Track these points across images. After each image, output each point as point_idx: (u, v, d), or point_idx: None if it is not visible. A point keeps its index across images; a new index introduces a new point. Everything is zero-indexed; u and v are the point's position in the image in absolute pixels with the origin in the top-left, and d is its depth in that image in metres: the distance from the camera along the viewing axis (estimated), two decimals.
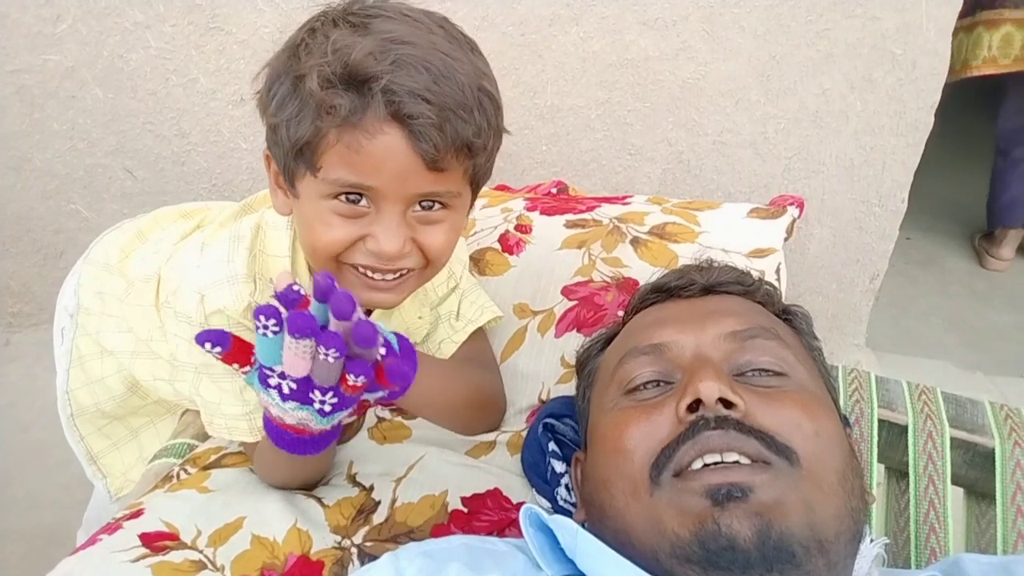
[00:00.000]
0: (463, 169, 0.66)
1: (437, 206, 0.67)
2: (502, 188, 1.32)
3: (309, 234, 0.67)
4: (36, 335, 1.81)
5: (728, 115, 1.59)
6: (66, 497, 1.40)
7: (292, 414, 0.59)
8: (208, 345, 0.54)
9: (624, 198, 1.12)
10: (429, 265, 0.70)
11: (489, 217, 1.07)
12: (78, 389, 0.97)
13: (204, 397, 0.74)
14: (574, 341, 0.85)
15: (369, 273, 0.67)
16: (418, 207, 0.66)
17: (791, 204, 1.09)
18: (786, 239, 1.02)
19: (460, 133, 0.62)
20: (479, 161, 0.67)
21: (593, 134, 1.63)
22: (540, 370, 0.87)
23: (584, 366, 0.72)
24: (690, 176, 1.67)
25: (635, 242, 0.99)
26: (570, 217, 1.05)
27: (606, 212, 1.06)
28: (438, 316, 0.88)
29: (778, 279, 0.95)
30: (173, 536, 0.69)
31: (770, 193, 1.66)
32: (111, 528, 0.70)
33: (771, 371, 0.60)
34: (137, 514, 0.72)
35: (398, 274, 0.68)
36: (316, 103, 0.60)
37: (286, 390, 0.57)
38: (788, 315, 0.72)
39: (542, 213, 1.07)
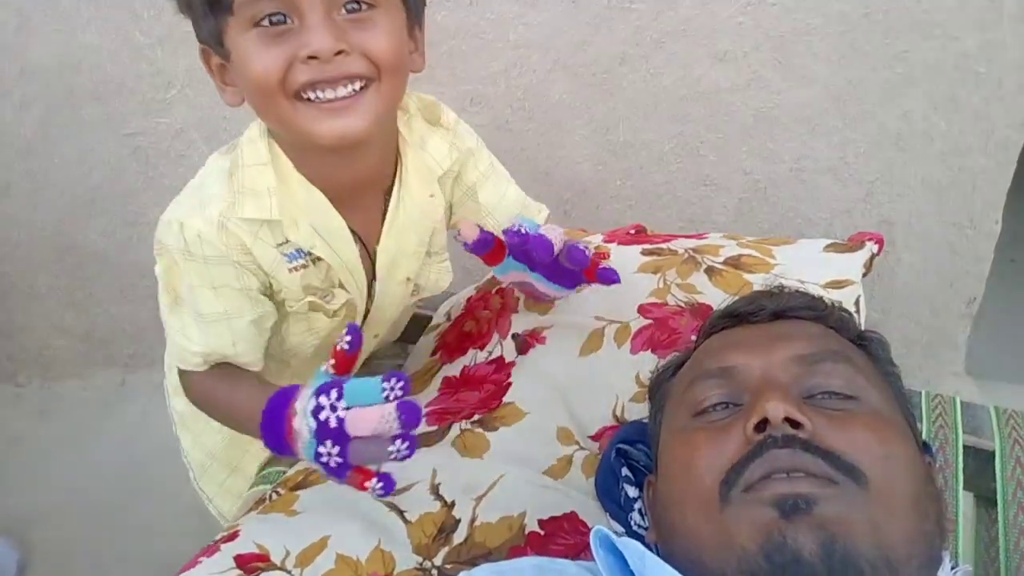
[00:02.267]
0: None
1: (364, 6, 0.65)
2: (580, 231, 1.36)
3: (247, 77, 0.65)
4: (150, 375, 1.95)
5: (804, 142, 1.58)
6: (177, 527, 1.49)
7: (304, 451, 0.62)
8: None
9: (700, 235, 1.14)
10: (381, 73, 0.67)
11: None
12: (191, 450, 1.02)
13: (173, 326, 0.78)
14: (648, 361, 0.86)
15: (320, 94, 0.64)
16: (343, 11, 0.64)
17: (870, 240, 1.07)
18: (865, 274, 1.01)
19: None
20: None
21: (667, 167, 1.65)
22: (615, 383, 0.88)
23: (656, 389, 0.74)
24: (767, 204, 1.66)
25: (709, 271, 1.00)
26: (646, 247, 1.07)
27: (681, 244, 1.08)
28: (462, 192, 0.88)
29: (857, 311, 0.93)
30: (264, 557, 0.74)
31: (852, 219, 1.62)
32: (210, 550, 0.76)
33: (841, 394, 0.59)
34: (233, 536, 0.77)
35: (350, 87, 0.65)
36: None
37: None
38: (863, 341, 0.71)
39: (619, 244, 1.10)
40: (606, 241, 1.11)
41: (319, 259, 0.77)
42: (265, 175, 0.71)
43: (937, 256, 1.65)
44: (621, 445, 0.76)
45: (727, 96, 1.55)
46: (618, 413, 0.87)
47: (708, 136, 1.60)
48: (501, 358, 0.97)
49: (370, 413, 0.54)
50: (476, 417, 0.89)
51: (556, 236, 0.71)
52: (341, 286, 0.81)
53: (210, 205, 0.72)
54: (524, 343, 0.96)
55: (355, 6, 0.65)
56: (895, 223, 1.62)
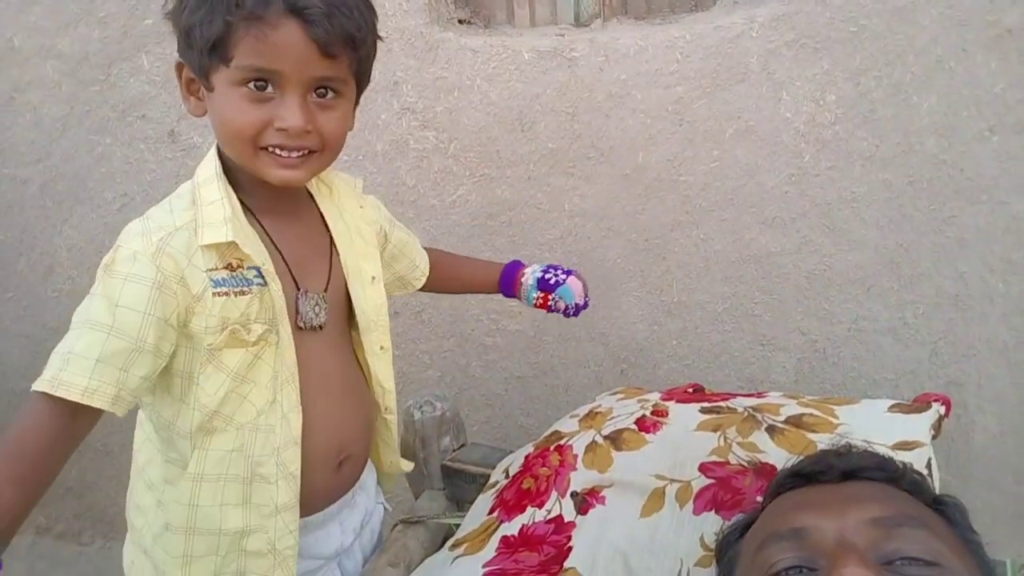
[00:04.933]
0: (349, 60, 0.81)
1: (331, 93, 0.82)
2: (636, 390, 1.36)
3: (226, 123, 0.80)
4: None
5: (860, 303, 1.58)
6: None
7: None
8: None
9: (760, 394, 1.13)
10: (326, 148, 0.84)
11: (625, 406, 1.11)
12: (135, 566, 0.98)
13: (71, 341, 0.75)
14: (712, 523, 0.83)
15: (279, 152, 0.80)
16: (314, 95, 0.80)
17: (936, 401, 1.05)
18: (934, 437, 0.98)
19: (345, 26, 0.77)
20: (362, 55, 0.82)
21: (722, 326, 1.67)
22: (679, 546, 0.85)
23: (724, 552, 0.71)
24: (828, 365, 1.64)
25: (771, 430, 0.98)
26: (705, 405, 1.07)
27: (740, 402, 1.07)
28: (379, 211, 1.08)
29: (929, 474, 0.90)
30: None
31: (918, 379, 1.59)
32: None
33: (922, 560, 0.57)
34: None
35: (301, 153, 0.82)
36: (224, 3, 0.74)
37: None
38: (940, 505, 0.68)
39: (677, 402, 1.10)
40: (664, 399, 1.11)
41: (246, 291, 0.83)
42: (221, 208, 0.82)
43: (1013, 419, 1.58)
44: None
45: (778, 259, 1.59)
46: None
47: (761, 297, 1.63)
48: (560, 517, 0.95)
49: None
50: None
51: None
52: (260, 321, 0.84)
53: (157, 232, 0.80)
54: (584, 502, 0.95)
55: (324, 92, 0.81)
56: (964, 384, 1.58)
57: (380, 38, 0.87)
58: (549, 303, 1.18)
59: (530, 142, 1.61)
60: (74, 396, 0.72)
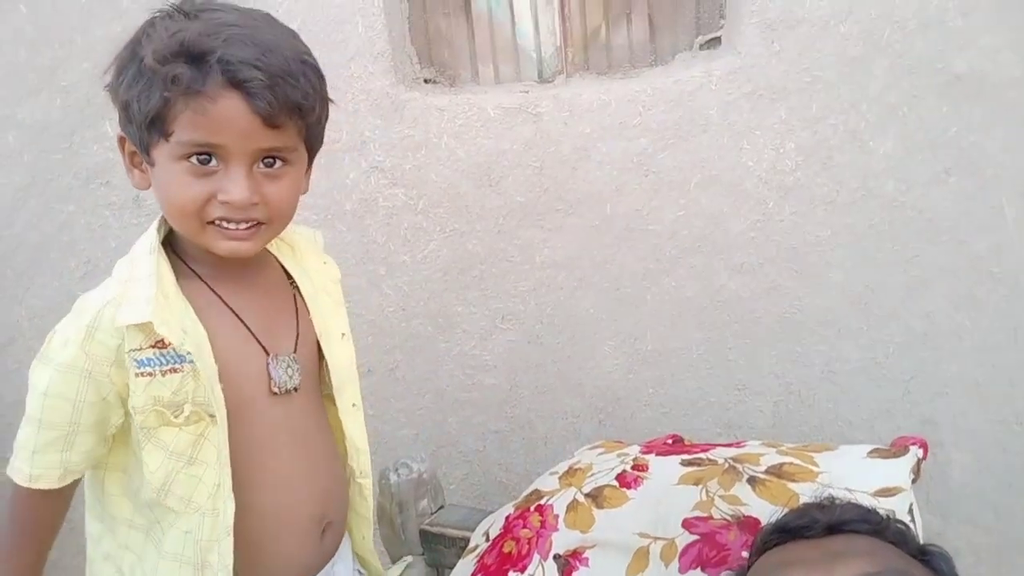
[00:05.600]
0: (296, 128, 0.78)
1: (279, 163, 0.79)
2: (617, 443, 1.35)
3: (169, 197, 0.78)
4: None
5: (832, 344, 1.60)
6: None
7: None
8: None
9: (739, 443, 1.13)
10: (274, 219, 0.81)
11: (606, 461, 1.09)
12: None
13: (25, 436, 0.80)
14: None
15: (226, 225, 0.78)
16: (261, 165, 0.78)
17: (913, 444, 1.05)
18: (914, 480, 0.98)
19: (290, 96, 0.74)
20: (311, 122, 0.80)
21: (697, 373, 1.67)
22: None
23: None
24: (804, 407, 1.65)
25: (752, 481, 0.97)
26: (685, 457, 1.06)
27: (721, 453, 1.06)
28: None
29: (912, 520, 0.89)
30: None
31: (892, 418, 1.60)
32: None
33: None
34: None
35: (249, 225, 0.79)
36: (161, 78, 0.71)
37: None
38: (925, 555, 0.68)
39: (657, 455, 1.08)
40: (644, 452, 1.10)
41: (177, 369, 0.80)
42: (147, 286, 0.79)
43: (989, 455, 1.59)
44: None
45: (749, 303, 1.60)
46: None
47: (735, 342, 1.63)
48: None
49: None
50: None
51: None
52: (195, 402, 0.81)
53: (89, 313, 0.78)
54: (567, 565, 0.92)
55: (272, 161, 0.79)
56: (938, 422, 1.59)
57: (331, 101, 0.85)
58: None
59: (499, 196, 1.62)
60: (23, 482, 0.79)
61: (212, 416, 0.82)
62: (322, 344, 0.96)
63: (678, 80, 1.52)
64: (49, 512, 0.86)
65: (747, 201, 1.55)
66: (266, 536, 0.89)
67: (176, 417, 0.80)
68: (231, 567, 0.85)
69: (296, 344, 0.93)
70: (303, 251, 0.99)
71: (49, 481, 0.80)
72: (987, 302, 1.51)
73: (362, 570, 1.11)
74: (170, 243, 0.87)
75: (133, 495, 0.86)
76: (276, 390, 0.88)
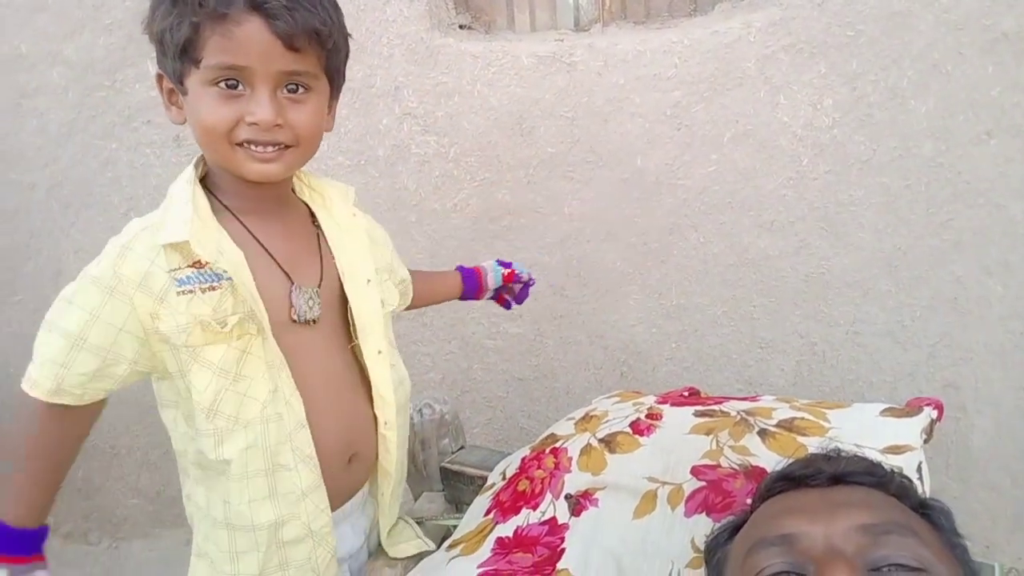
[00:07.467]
0: (316, 55, 0.83)
1: (301, 89, 0.84)
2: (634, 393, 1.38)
3: (201, 121, 0.82)
4: None
5: (858, 306, 1.59)
6: None
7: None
8: None
9: (753, 398, 1.14)
10: (300, 143, 0.86)
11: (621, 409, 1.12)
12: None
13: (46, 346, 0.84)
14: (703, 525, 0.84)
15: (254, 147, 0.83)
16: (285, 91, 0.83)
17: (928, 405, 1.06)
18: (926, 441, 0.99)
19: (308, 20, 0.79)
20: (329, 50, 0.84)
21: (720, 329, 1.68)
22: (670, 548, 0.86)
23: (713, 554, 0.72)
24: (826, 367, 1.65)
25: (763, 433, 0.99)
26: (699, 408, 1.08)
27: (734, 406, 1.08)
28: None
29: (919, 478, 0.91)
30: None
31: (915, 382, 1.59)
32: None
33: (908, 567, 0.58)
34: None
35: (276, 148, 0.84)
36: (190, 5, 0.76)
37: None
38: (926, 509, 0.69)
39: (672, 405, 1.11)
40: (659, 403, 1.12)
41: (216, 287, 0.84)
42: (185, 210, 0.84)
43: (1010, 422, 1.59)
44: None
45: (776, 262, 1.60)
46: None
47: (760, 300, 1.64)
48: (554, 519, 0.96)
49: None
50: None
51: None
52: (237, 314, 0.86)
53: (125, 235, 0.84)
54: (577, 504, 0.96)
55: (294, 87, 0.84)
56: (961, 387, 1.58)
57: (349, 36, 0.89)
58: (515, 274, 1.32)
59: (530, 146, 1.63)
60: (25, 387, 0.84)
61: (257, 329, 0.87)
62: (346, 287, 0.99)
63: (716, 31, 1.49)
64: (56, 429, 0.88)
65: (781, 158, 1.54)
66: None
67: (222, 327, 0.84)
68: (314, 456, 0.91)
69: (320, 280, 0.96)
70: (333, 200, 1.02)
71: (41, 391, 0.84)
72: (1020, 268, 1.49)
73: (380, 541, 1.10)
74: (204, 183, 0.91)
75: (191, 427, 0.90)
76: (295, 318, 0.92)
